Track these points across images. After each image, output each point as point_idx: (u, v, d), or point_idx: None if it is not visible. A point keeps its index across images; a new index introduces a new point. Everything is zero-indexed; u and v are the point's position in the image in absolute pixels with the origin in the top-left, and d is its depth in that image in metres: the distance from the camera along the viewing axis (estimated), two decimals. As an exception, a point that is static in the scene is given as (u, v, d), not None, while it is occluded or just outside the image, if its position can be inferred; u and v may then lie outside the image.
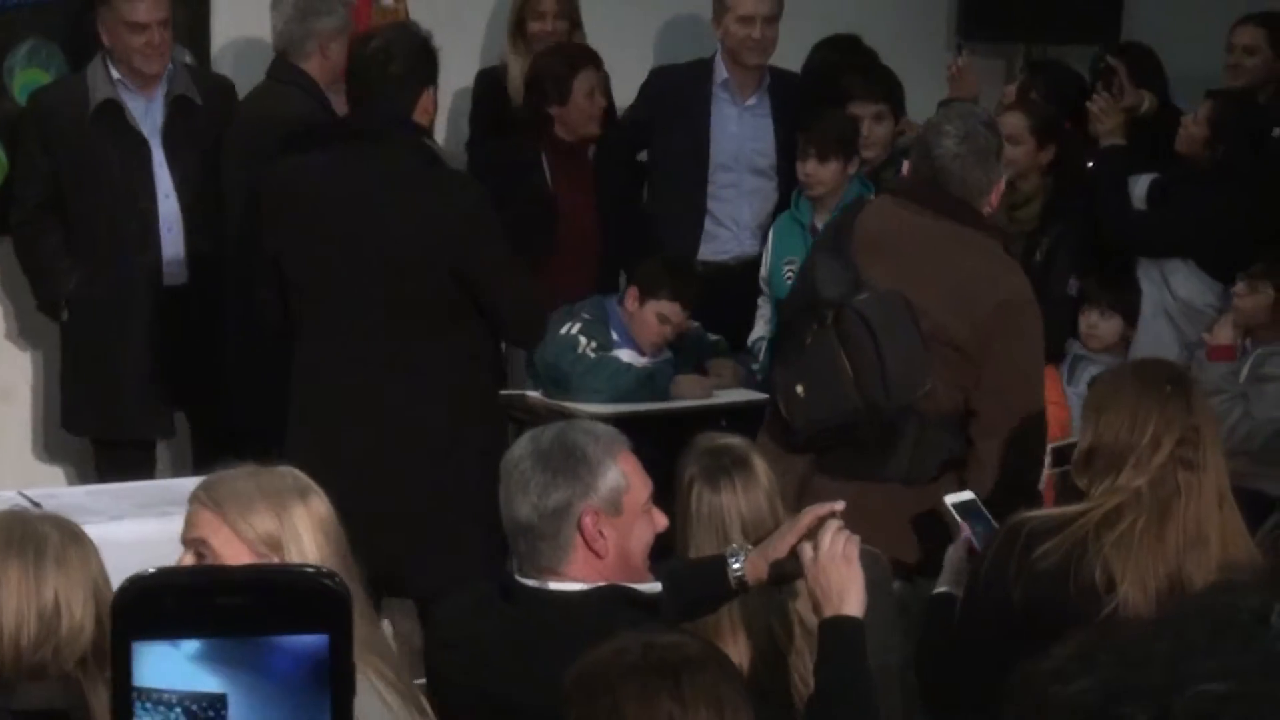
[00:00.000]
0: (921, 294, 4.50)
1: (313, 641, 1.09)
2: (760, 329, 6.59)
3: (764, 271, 6.63)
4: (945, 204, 4.58)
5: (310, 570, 1.12)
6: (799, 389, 4.56)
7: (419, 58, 5.02)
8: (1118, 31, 7.31)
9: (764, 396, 5.28)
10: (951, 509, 3.95)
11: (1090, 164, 6.37)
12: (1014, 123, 6.17)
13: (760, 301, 6.65)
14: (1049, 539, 3.56)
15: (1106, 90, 6.42)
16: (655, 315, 6.15)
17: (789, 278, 6.25)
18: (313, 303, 4.95)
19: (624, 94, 6.88)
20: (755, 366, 6.41)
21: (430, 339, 4.89)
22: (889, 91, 6.85)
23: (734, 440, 3.88)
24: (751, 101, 6.94)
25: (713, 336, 6.51)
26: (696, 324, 6.43)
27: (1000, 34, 7.60)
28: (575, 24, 6.90)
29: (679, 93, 6.92)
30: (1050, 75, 6.95)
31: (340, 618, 1.10)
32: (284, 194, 4.96)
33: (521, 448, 3.28)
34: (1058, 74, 6.99)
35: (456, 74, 6.38)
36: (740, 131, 6.93)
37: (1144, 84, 6.56)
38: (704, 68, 6.96)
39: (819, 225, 6.34)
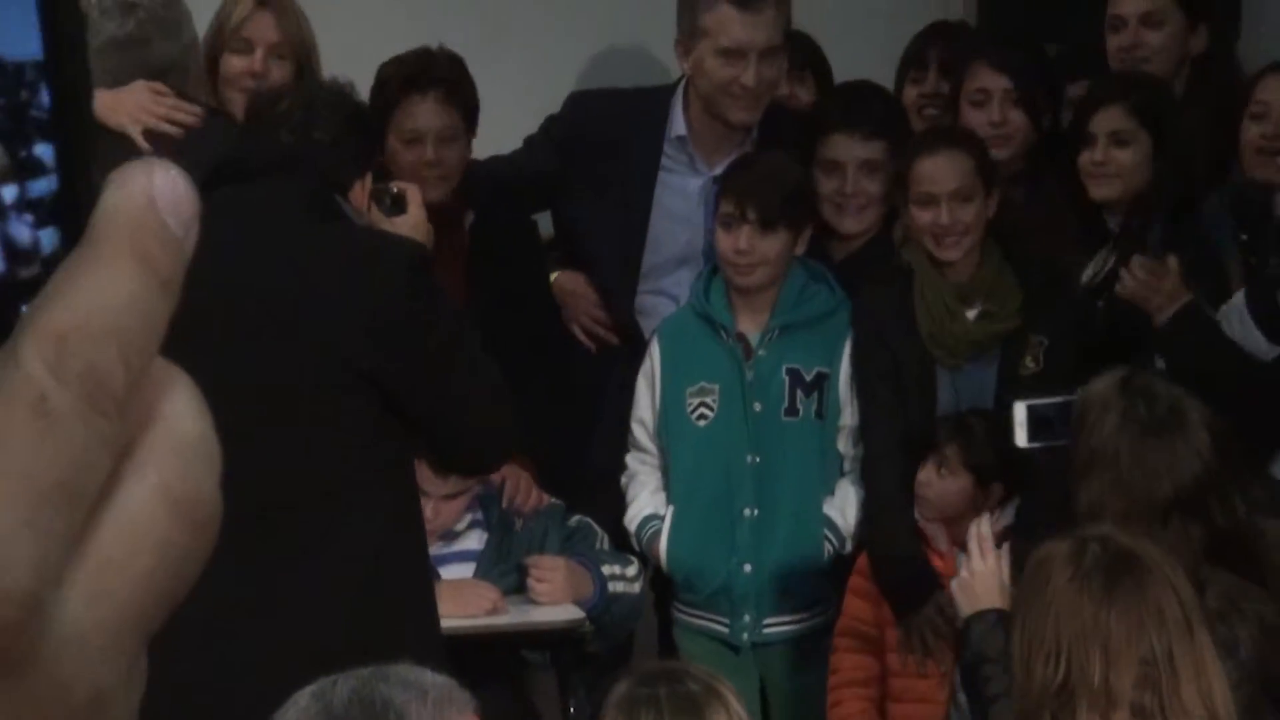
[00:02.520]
0: None
1: None
2: (645, 503, 4.46)
3: (645, 411, 4.50)
4: None
5: None
6: None
7: (351, 125, 3.62)
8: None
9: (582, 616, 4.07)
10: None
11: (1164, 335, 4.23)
12: None
13: (633, 463, 4.51)
14: None
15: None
16: None
17: (700, 418, 4.43)
18: None
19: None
20: (623, 571, 4.27)
21: (321, 506, 3.22)
22: (886, 124, 4.64)
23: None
24: (720, 170, 4.55)
25: (575, 519, 4.37)
26: (555, 501, 4.40)
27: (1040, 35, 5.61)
28: (300, 62, 4.50)
29: (608, 143, 4.57)
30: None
31: None
32: None
33: (298, 710, 2.14)
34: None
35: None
36: (694, 216, 4.62)
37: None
38: (652, 107, 4.63)
39: (747, 334, 4.41)
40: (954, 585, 3.41)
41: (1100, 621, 2.72)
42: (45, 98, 0.56)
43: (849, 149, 4.55)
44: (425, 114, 4.43)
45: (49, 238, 0.56)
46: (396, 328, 3.25)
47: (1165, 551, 2.87)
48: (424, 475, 3.69)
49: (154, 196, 0.54)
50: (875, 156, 4.55)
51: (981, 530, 3.41)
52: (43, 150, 0.56)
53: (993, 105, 4.62)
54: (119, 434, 0.52)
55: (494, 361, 3.43)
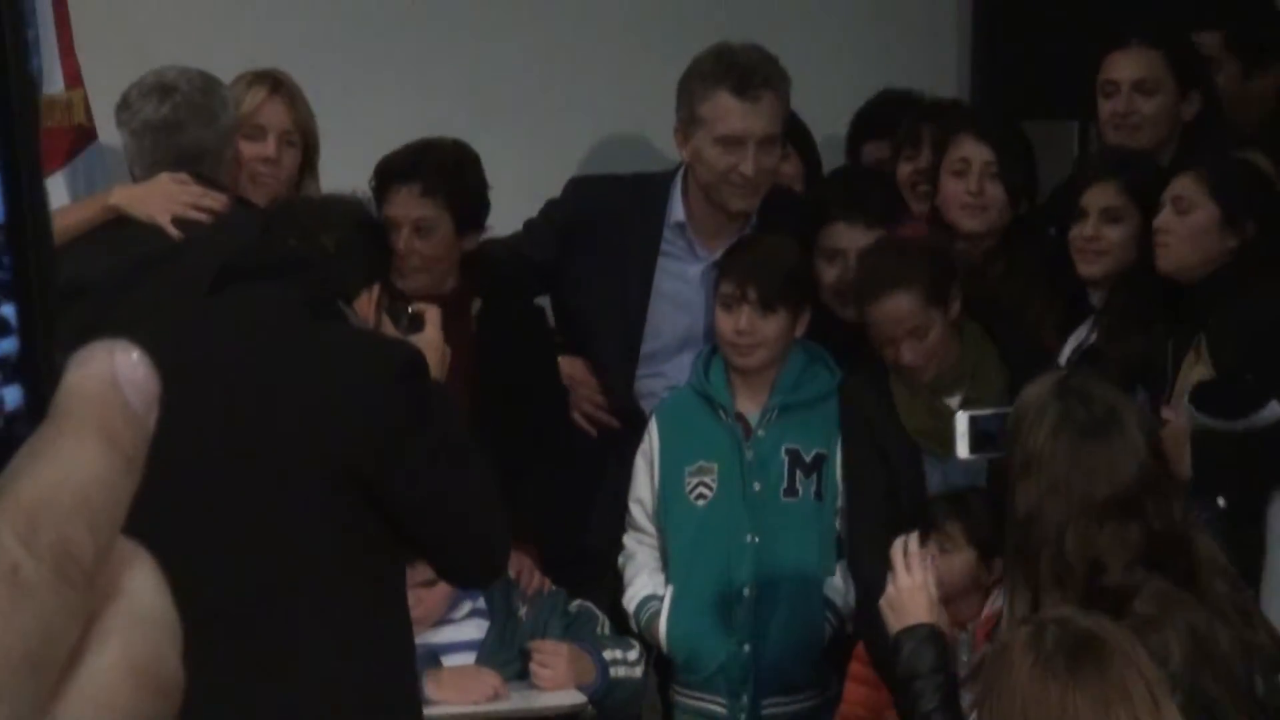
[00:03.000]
0: None
1: None
2: (644, 583, 4.46)
3: (643, 490, 4.49)
4: None
5: None
6: None
7: (360, 234, 3.58)
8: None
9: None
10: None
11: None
12: None
13: (630, 543, 4.51)
14: None
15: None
16: None
17: (699, 498, 4.42)
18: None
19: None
20: (624, 655, 4.28)
21: (308, 612, 3.11)
22: (887, 212, 4.64)
23: None
24: (721, 255, 4.56)
25: (576, 605, 4.38)
26: (557, 588, 4.41)
27: (1046, 111, 5.63)
28: (308, 160, 4.64)
29: (607, 229, 4.58)
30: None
31: None
32: None
33: None
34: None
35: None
36: (694, 301, 4.61)
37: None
38: (652, 193, 4.63)
39: (746, 414, 4.43)
40: (881, 603, 3.36)
41: (1068, 706, 2.67)
42: (7, 259, 0.58)
43: (851, 238, 4.53)
44: (401, 203, 4.41)
45: (12, 395, 0.57)
46: (388, 435, 3.14)
47: (1124, 629, 2.83)
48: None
49: (117, 377, 0.56)
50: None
51: (909, 546, 3.37)
52: (6, 310, 0.58)
53: (972, 175, 4.62)
54: (87, 605, 0.54)
55: (491, 470, 3.34)
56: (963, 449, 3.44)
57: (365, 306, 3.45)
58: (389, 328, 3.51)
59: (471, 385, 4.35)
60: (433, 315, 3.64)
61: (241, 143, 4.49)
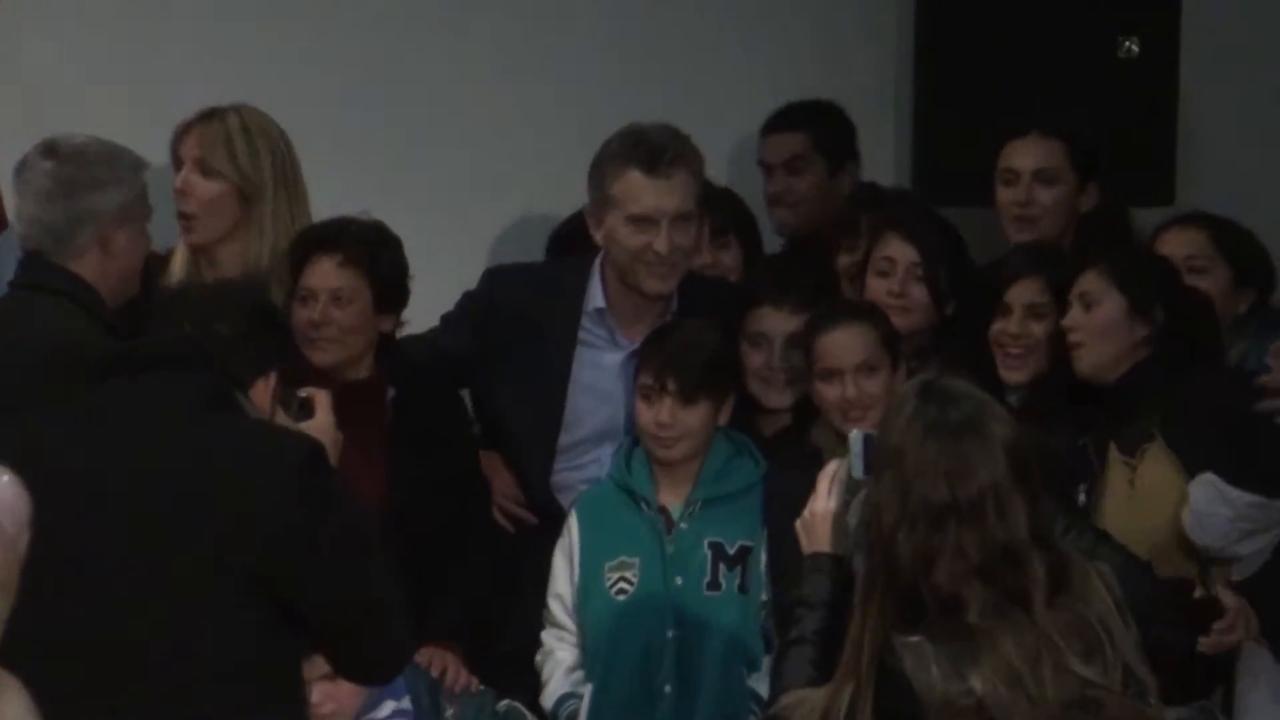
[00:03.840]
0: None
1: None
2: (562, 681, 4.35)
3: (562, 586, 4.39)
4: None
5: None
6: None
7: (256, 320, 3.57)
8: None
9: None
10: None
11: None
12: None
13: (549, 640, 4.38)
14: None
15: None
16: None
17: (620, 592, 4.32)
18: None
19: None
20: None
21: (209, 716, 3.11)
22: (817, 298, 4.51)
23: None
24: (640, 344, 4.46)
25: (504, 705, 4.30)
26: (484, 688, 4.31)
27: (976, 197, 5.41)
28: (248, 194, 4.51)
29: (525, 318, 4.52)
30: None
31: None
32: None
33: None
34: None
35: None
36: (614, 391, 4.52)
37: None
38: (569, 280, 4.56)
39: (669, 507, 4.34)
40: (797, 523, 3.37)
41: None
42: None
43: (776, 322, 4.47)
44: (320, 273, 4.36)
45: None
46: (288, 529, 3.08)
47: None
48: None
49: None
50: (803, 330, 4.45)
51: (837, 473, 3.37)
52: None
53: (896, 276, 4.55)
54: None
55: (400, 563, 3.31)
56: (858, 468, 3.37)
57: (261, 395, 3.40)
58: (280, 415, 3.46)
59: (386, 477, 4.28)
60: (323, 400, 3.60)
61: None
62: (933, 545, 2.98)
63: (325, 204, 4.60)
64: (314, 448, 3.20)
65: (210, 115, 4.54)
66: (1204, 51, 5.63)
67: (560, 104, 5.48)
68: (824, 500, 3.36)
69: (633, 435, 4.42)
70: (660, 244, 4.37)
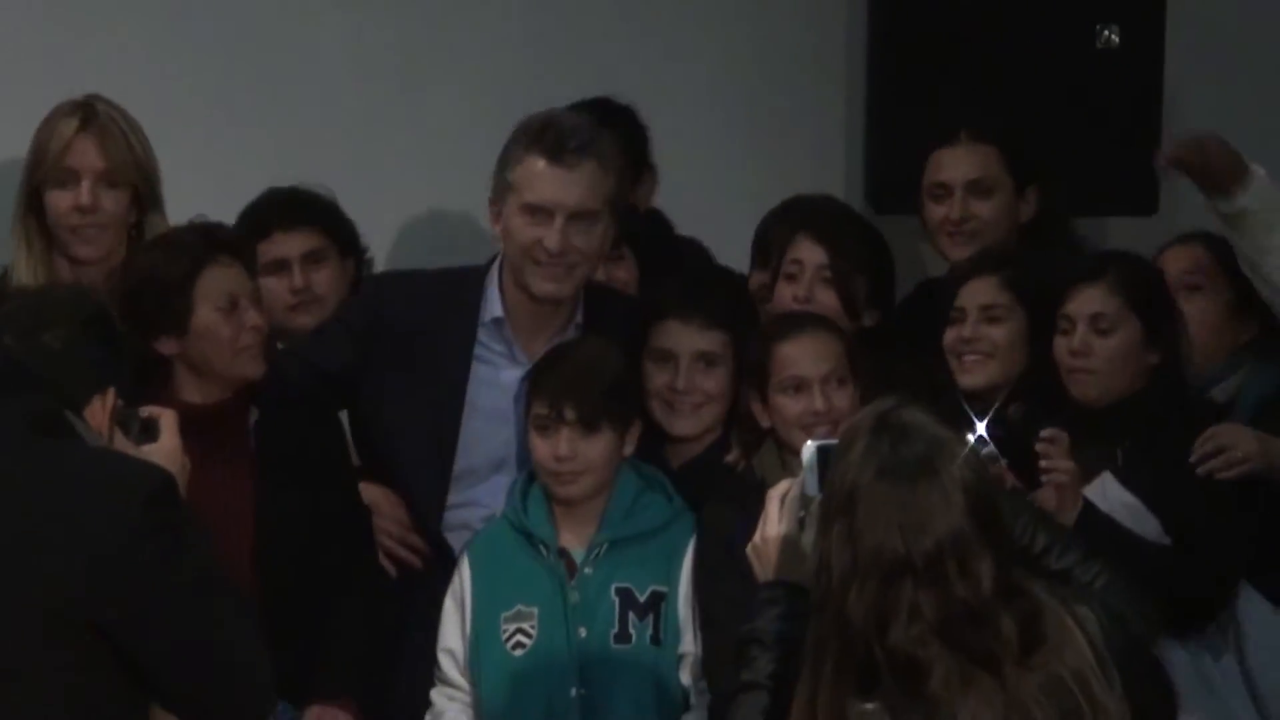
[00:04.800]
0: None
1: None
2: None
3: (453, 639, 4.08)
4: None
5: None
6: None
7: (89, 332, 3.32)
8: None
9: None
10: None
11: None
12: None
13: (439, 699, 4.09)
14: None
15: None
16: None
17: (517, 646, 3.98)
18: None
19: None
20: None
21: None
22: (729, 313, 4.26)
23: None
24: (531, 368, 4.17)
25: None
26: None
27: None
28: (146, 202, 4.26)
29: (413, 330, 4.20)
30: None
31: None
32: None
33: None
34: None
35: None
36: (516, 412, 4.16)
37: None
38: (463, 288, 4.24)
39: (570, 550, 4.01)
40: (748, 549, 3.23)
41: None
42: None
43: (684, 339, 4.15)
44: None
45: None
46: (129, 571, 2.90)
47: None
48: None
49: None
50: (713, 349, 4.15)
51: (787, 493, 3.19)
52: None
53: (803, 279, 4.29)
54: None
55: (263, 612, 3.23)
56: (812, 485, 3.17)
57: (98, 416, 3.20)
58: (120, 439, 3.29)
59: (251, 511, 3.96)
60: (169, 420, 3.45)
61: (53, 192, 4.20)
62: (886, 604, 2.79)
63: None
64: (164, 480, 3.02)
65: (90, 118, 4.23)
66: (1191, 41, 5.52)
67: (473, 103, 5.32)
68: (774, 524, 3.18)
69: (528, 470, 4.09)
70: (552, 240, 4.04)
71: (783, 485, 3.23)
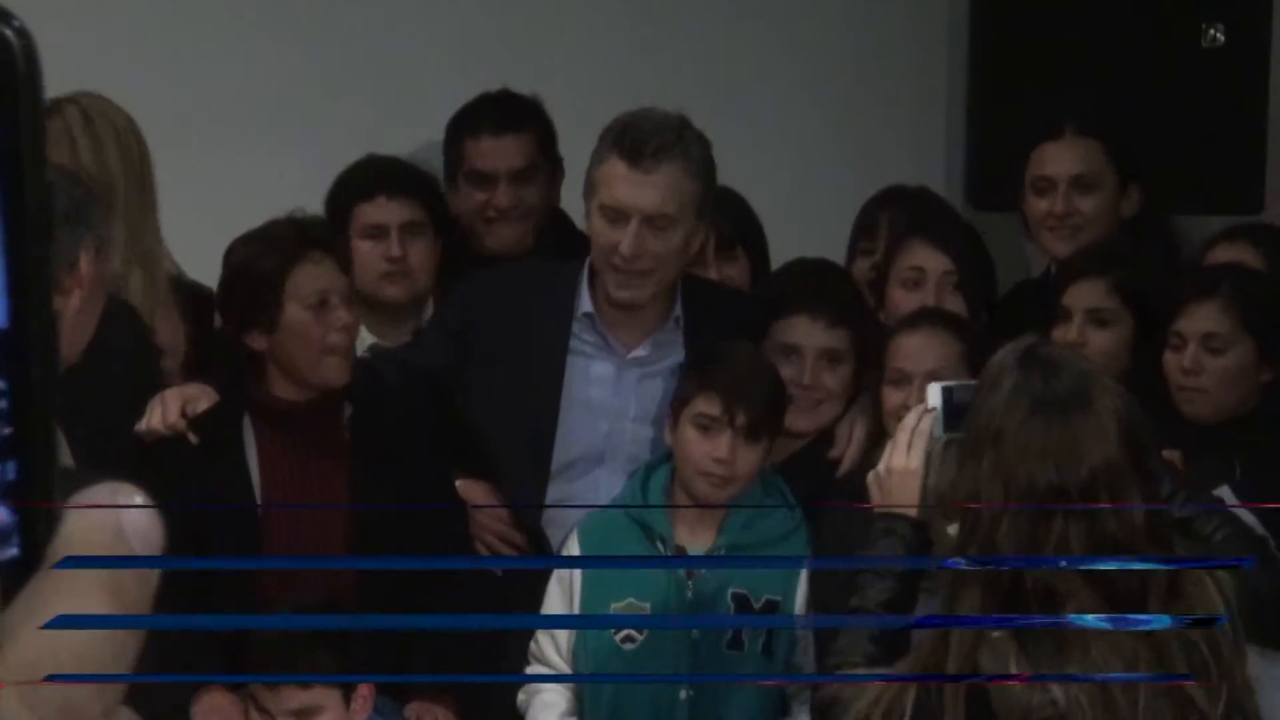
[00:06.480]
0: None
1: None
2: None
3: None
4: None
5: None
6: None
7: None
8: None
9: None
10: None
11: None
12: None
13: (535, 680, 4.05)
14: None
15: None
16: None
17: (627, 639, 3.79)
18: None
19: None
20: None
21: None
22: (851, 312, 4.13)
23: None
24: (641, 351, 4.02)
25: None
26: None
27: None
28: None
29: (508, 323, 4.05)
30: None
31: None
32: None
33: None
34: None
35: None
36: (614, 405, 4.04)
37: None
38: (558, 281, 4.11)
39: (688, 548, 3.83)
40: (869, 477, 3.23)
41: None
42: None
43: (812, 335, 4.02)
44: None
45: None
46: None
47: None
48: None
49: (123, 527, 0.57)
50: (839, 346, 4.02)
51: (919, 425, 3.17)
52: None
53: (929, 288, 4.16)
54: None
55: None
56: (939, 427, 3.13)
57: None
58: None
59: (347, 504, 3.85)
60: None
61: None
62: (1038, 537, 2.76)
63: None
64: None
65: (48, 110, 4.00)
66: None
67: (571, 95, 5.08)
68: (903, 455, 3.16)
69: (648, 461, 3.93)
70: (626, 244, 3.88)
71: (912, 417, 3.20)
